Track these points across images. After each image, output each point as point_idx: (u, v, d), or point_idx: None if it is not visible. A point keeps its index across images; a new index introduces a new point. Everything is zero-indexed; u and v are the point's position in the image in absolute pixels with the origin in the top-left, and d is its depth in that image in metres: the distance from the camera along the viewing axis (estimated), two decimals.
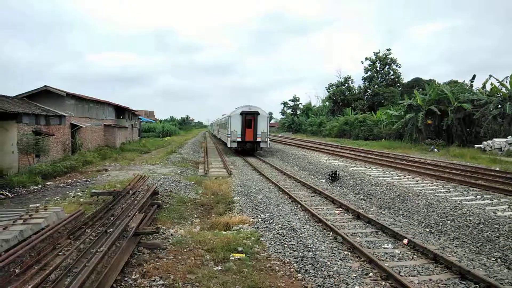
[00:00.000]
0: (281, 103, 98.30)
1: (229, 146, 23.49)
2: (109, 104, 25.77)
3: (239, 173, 15.18)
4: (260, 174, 15.01)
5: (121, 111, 28.64)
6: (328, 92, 60.56)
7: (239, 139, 22.68)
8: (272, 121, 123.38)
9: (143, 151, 24.99)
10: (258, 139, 22.74)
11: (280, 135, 60.76)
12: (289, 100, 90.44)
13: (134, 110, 34.37)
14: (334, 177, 13.43)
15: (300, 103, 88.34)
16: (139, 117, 41.56)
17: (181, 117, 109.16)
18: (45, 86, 17.62)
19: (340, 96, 54.84)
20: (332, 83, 59.52)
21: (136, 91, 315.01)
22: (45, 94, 17.65)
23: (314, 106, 76.90)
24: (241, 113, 22.63)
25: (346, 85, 56.67)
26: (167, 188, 11.06)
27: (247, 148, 23.04)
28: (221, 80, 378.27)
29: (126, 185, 10.29)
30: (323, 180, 13.84)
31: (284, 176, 14.50)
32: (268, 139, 23.29)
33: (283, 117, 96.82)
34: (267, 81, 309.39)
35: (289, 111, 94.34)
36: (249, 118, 22.72)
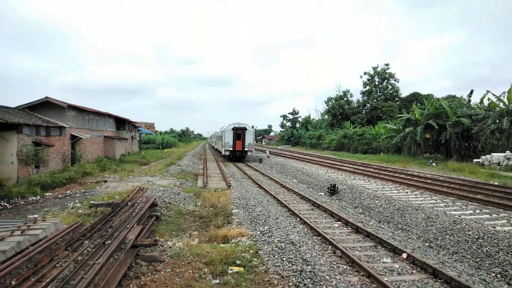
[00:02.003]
0: (281, 116, 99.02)
1: (223, 154, 29.64)
2: (109, 115, 25.95)
3: (238, 186, 15.19)
4: (259, 186, 15.03)
5: (121, 122, 28.79)
6: (327, 105, 61.10)
7: (231, 149, 28.66)
8: (272, 133, 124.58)
9: (143, 162, 24.99)
10: (246, 149, 28.75)
11: (279, 147, 60.84)
12: (289, 113, 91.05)
13: (134, 122, 34.56)
14: (333, 190, 13.43)
15: (299, 116, 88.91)
16: (139, 128, 41.75)
17: (181, 129, 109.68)
18: (46, 97, 17.79)
19: (339, 110, 55.33)
20: (331, 97, 60.13)
21: (137, 103, 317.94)
22: (46, 105, 17.81)
23: (313, 119, 77.34)
24: (233, 128, 28.58)
25: (345, 99, 57.25)
26: (166, 200, 11.03)
27: (237, 155, 29.03)
28: (222, 93, 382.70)
29: (125, 197, 10.27)
30: (322, 193, 13.82)
31: (283, 189, 14.50)
32: (253, 148, 29.56)
33: (282, 130, 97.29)
34: (267, 95, 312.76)
35: (288, 124, 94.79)
36: (239, 132, 28.58)
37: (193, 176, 18.54)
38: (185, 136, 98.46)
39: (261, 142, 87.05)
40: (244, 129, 28.77)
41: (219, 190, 14.00)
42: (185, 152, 38.23)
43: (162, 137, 52.36)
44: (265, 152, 35.47)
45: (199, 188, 14.37)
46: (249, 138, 28.81)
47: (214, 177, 17.99)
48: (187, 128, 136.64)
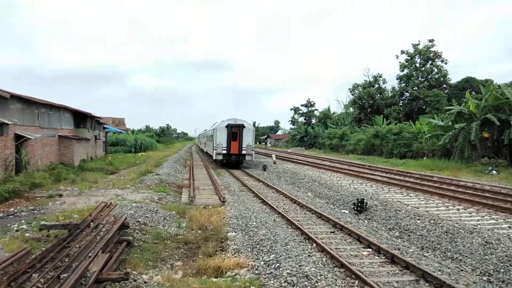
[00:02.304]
0: (291, 109, 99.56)
1: (214, 158, 30.29)
2: (66, 109, 26.08)
3: (236, 201, 15.24)
4: (263, 202, 15.08)
5: (81, 118, 28.94)
6: (352, 94, 61.28)
7: (224, 152, 29.07)
8: (279, 132, 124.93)
9: (110, 170, 25.09)
10: (243, 152, 29.13)
11: (289, 150, 60.97)
12: (302, 105, 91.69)
13: (99, 117, 34.72)
14: (360, 207, 13.42)
15: (315, 109, 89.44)
16: (105, 126, 41.94)
17: (160, 127, 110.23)
18: None
19: (368, 101, 55.38)
20: (357, 84, 60.30)
21: (103, 93, 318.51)
22: None
23: (334, 113, 77.59)
24: (227, 126, 29.07)
25: (376, 86, 57.35)
26: (140, 220, 11.06)
27: (232, 160, 29.45)
28: (214, 80, 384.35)
29: (86, 216, 10.31)
30: (346, 211, 13.84)
31: (294, 205, 14.55)
32: (253, 152, 30.03)
33: (293, 127, 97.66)
34: (273, 82, 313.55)
35: (301, 119, 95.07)
36: (235, 131, 29.09)
37: (176, 189, 18.60)
38: (165, 135, 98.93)
39: (266, 143, 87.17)
40: (241, 126, 29.41)
41: (210, 207, 14.04)
42: (165, 157, 38.34)
43: (135, 137, 52.56)
44: (271, 157, 35.51)
45: (183, 205, 14.40)
46: (248, 138, 29.44)
47: (203, 190, 18.02)
48: (167, 125, 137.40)
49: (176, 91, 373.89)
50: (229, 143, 29.39)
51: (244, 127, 29.64)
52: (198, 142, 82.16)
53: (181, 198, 16.05)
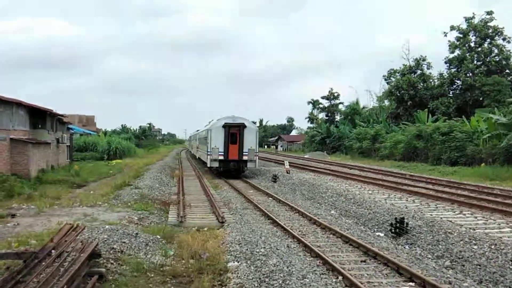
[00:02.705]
0: (309, 103, 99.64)
1: (208, 165, 31.61)
2: (19, 104, 26.26)
3: (238, 221, 15.24)
4: (273, 222, 15.05)
5: (39, 116, 29.11)
6: (388, 83, 61.17)
7: (221, 157, 30.10)
8: (293, 132, 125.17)
9: (76, 183, 25.18)
10: (245, 158, 30.19)
11: (306, 155, 60.94)
12: (322, 98, 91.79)
13: (62, 115, 34.96)
14: (399, 228, 13.33)
15: (340, 103, 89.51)
16: (70, 126, 42.21)
17: (140, 127, 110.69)
18: None
19: (409, 91, 55.22)
20: (394, 69, 60.17)
21: (66, 84, 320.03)
22: None
23: (364, 107, 77.55)
24: (224, 125, 30.18)
25: (419, 72, 57.24)
26: (115, 246, 11.07)
27: (231, 168, 30.39)
28: (208, 64, 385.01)
29: (46, 242, 10.34)
30: (381, 234, 13.76)
31: (313, 227, 14.50)
32: (257, 157, 31.07)
33: (311, 126, 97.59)
34: (285, 67, 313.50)
35: (321, 115, 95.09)
36: (234, 132, 30.19)
37: (161, 206, 18.60)
38: (147, 137, 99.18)
39: (276, 146, 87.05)
40: (242, 126, 30.39)
41: (206, 229, 14.02)
42: (147, 165, 38.44)
43: (109, 140, 52.83)
44: (283, 164, 35.48)
45: (171, 226, 14.40)
46: (250, 140, 30.53)
47: (196, 207, 18.04)
48: (149, 124, 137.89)
49: (159, 81, 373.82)
50: (227, 147, 30.20)
51: (246, 126, 30.45)
52: (189, 146, 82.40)
53: (167, 218, 16.03)
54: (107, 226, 12.82)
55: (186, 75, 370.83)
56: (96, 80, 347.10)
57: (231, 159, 30.28)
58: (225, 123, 30.61)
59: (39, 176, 25.29)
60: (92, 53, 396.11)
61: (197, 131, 52.16)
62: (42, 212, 15.95)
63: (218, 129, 30.57)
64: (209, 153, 30.85)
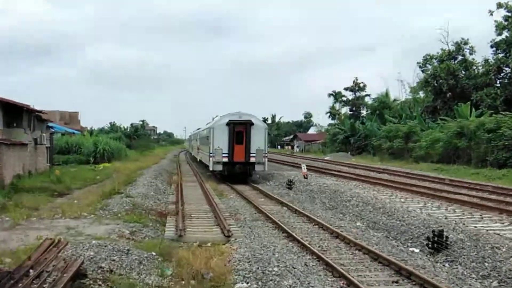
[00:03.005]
0: (330, 95, 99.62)
1: (211, 169, 32.74)
2: None
3: (247, 235, 15.26)
4: (289, 236, 15.05)
5: (14, 113, 29.25)
6: (423, 71, 60.76)
7: (225, 160, 31.22)
8: (312, 129, 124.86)
9: (58, 191, 25.20)
10: (252, 160, 31.21)
11: (327, 157, 60.79)
12: (346, 89, 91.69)
13: (40, 112, 35.09)
14: (438, 243, 13.23)
15: (366, 95, 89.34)
16: (50, 124, 42.33)
17: (132, 124, 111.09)
18: None
19: (448, 81, 54.78)
20: (430, 55, 59.71)
21: (45, 74, 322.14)
22: None
23: (395, 100, 77.09)
24: (228, 123, 31.31)
25: (460, 58, 56.74)
26: (103, 265, 11.12)
27: (237, 171, 31.45)
28: (212, 50, 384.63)
29: (23, 260, 10.42)
30: (416, 250, 13.69)
31: (336, 241, 14.47)
32: (266, 159, 32.21)
33: (333, 122, 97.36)
34: (301, 52, 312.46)
35: (345, 110, 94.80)
36: (240, 130, 31.29)
37: (157, 217, 18.65)
38: (139, 137, 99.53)
39: (292, 147, 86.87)
40: (249, 123, 31.43)
41: (209, 244, 14.02)
42: (140, 170, 38.55)
43: (95, 140, 53.01)
44: (300, 168, 35.45)
45: (168, 241, 14.40)
46: (258, 140, 31.58)
47: (198, 218, 18.10)
48: (143, 122, 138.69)
49: (156, 68, 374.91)
50: (232, 148, 31.18)
51: (253, 124, 31.38)
52: (188, 146, 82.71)
53: (164, 231, 16.00)
54: (93, 242, 12.86)
55: (186, 64, 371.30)
56: (81, 70, 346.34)
57: (237, 161, 31.18)
58: (229, 120, 31.42)
59: (14, 182, 25.29)
60: (77, 39, 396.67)
61: (198, 129, 52.70)
62: (18, 225, 15.93)
63: (221, 127, 31.46)
64: (211, 154, 31.69)
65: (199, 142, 46.42)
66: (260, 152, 31.16)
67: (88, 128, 79.21)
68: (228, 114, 32.62)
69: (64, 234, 14.09)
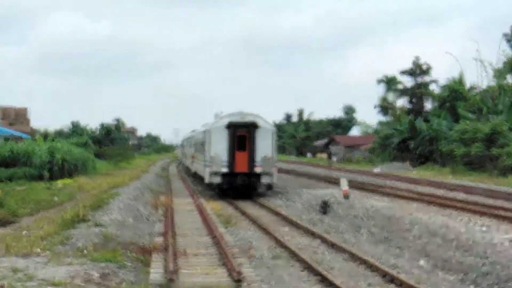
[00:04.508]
0: (380, 81, 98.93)
1: (207, 181, 35.67)
2: None
3: (265, 279, 15.28)
4: (323, 280, 14.96)
5: None
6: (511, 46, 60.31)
7: (224, 170, 33.87)
8: (353, 130, 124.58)
9: None
10: (257, 170, 33.82)
11: (377, 170, 60.52)
12: (402, 73, 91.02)
13: None
14: None
15: (432, 81, 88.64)
16: None
17: (103, 125, 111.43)
18: None
19: None
20: None
21: None
22: None
23: (472, 87, 76.50)
24: (228, 126, 34.06)
25: None
26: None
27: (239, 184, 34.03)
28: (214, 23, 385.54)
29: None
30: None
31: (390, 287, 14.46)
32: (275, 169, 35.18)
33: (384, 119, 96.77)
34: (337, 23, 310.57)
35: (401, 102, 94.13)
36: (242, 134, 34.08)
37: (138, 254, 18.71)
38: (113, 142, 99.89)
39: (329, 155, 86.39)
40: (252, 126, 34.21)
41: None
42: (114, 188, 38.66)
43: (52, 146, 53.28)
44: (337, 184, 35.42)
45: None
46: (265, 145, 34.41)
47: (196, 255, 18.21)
48: (118, 121, 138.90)
49: (135, 52, 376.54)
50: (233, 155, 33.88)
51: (258, 126, 34.19)
52: (181, 154, 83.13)
53: (149, 274, 16.12)
54: None
55: (178, 42, 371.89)
56: (31, 51, 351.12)
57: (239, 172, 33.87)
58: (229, 122, 34.23)
59: None
60: (27, 8, 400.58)
61: (192, 131, 55.18)
62: None
63: (220, 130, 34.32)
64: (207, 164, 34.71)
65: (193, 148, 48.80)
66: (267, 161, 33.59)
67: (41, 131, 79.76)
68: (228, 114, 35.60)
69: (9, 278, 14.14)
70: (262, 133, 34.16)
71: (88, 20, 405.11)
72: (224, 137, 33.85)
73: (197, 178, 46.76)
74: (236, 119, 34.46)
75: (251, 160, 33.60)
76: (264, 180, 34.23)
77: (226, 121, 34.37)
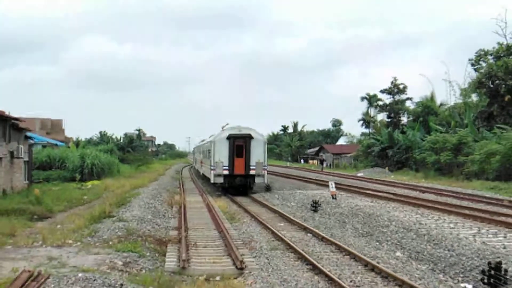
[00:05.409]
0: (363, 99, 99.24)
1: (212, 181, 39.23)
2: None
3: (264, 267, 15.26)
4: (314, 268, 15.00)
5: None
6: (475, 70, 60.33)
7: (226, 172, 37.59)
8: (341, 140, 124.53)
9: (37, 214, 25.33)
10: (252, 172, 37.60)
11: (360, 174, 60.47)
12: (382, 92, 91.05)
13: (17, 119, 35.33)
14: (495, 277, 13.06)
15: (408, 98, 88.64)
16: (29, 134, 42.67)
17: (126, 135, 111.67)
18: None
19: (507, 81, 54.30)
20: (484, 50, 59.28)
21: (23, 75, 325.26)
22: None
23: (442, 104, 76.56)
24: (229, 137, 37.73)
25: None
26: None
27: (237, 184, 37.97)
28: (221, 47, 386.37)
29: None
30: (469, 286, 13.62)
31: (371, 275, 14.41)
32: (266, 172, 38.89)
33: (366, 131, 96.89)
34: (328, 48, 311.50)
35: (381, 116, 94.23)
36: (240, 144, 37.67)
37: (156, 245, 18.66)
38: (135, 149, 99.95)
39: (321, 161, 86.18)
40: (248, 137, 37.79)
41: (218, 278, 14.04)
42: (136, 189, 38.67)
43: (82, 153, 53.22)
44: (326, 186, 35.34)
45: (169, 274, 14.42)
46: (258, 153, 38.01)
47: (205, 247, 18.20)
48: (139, 131, 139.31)
49: (153, 71, 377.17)
50: (232, 161, 37.51)
51: (252, 138, 37.83)
52: (193, 160, 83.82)
53: (164, 262, 16.07)
54: (80, 274, 12.88)
55: (190, 63, 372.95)
56: (64, 70, 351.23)
57: (237, 174, 37.62)
58: (229, 134, 37.81)
59: None
60: (60, 32, 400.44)
61: (203, 141, 57.80)
62: None
63: (222, 141, 37.88)
64: (212, 167, 37.89)
65: (202, 155, 52.54)
66: (259, 165, 37.37)
67: (74, 139, 79.81)
68: (228, 128, 39.35)
69: (45, 265, 14.11)
70: (256, 143, 37.88)
71: (113, 42, 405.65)
72: (226, 146, 37.47)
73: (205, 179, 49.59)
74: (235, 132, 38.15)
75: (247, 165, 37.28)
76: (258, 180, 38.03)
77: (227, 133, 37.99)
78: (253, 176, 37.70)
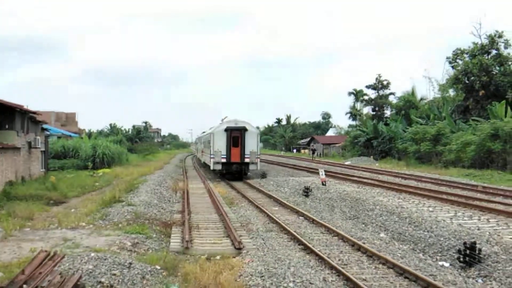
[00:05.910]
0: (350, 94, 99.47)
1: (212, 168, 41.51)
2: None
3: (260, 247, 15.31)
4: (305, 248, 15.07)
5: (6, 114, 29.38)
6: (453, 68, 60.27)
7: (223, 160, 39.70)
8: (330, 132, 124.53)
9: (53, 199, 25.39)
10: (246, 160, 39.75)
11: (347, 162, 60.50)
12: (368, 87, 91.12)
13: (35, 113, 35.30)
14: (470, 256, 13.15)
15: (391, 93, 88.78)
16: (45, 126, 42.66)
17: (134, 127, 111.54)
18: None
19: (481, 77, 54.33)
20: (461, 49, 59.22)
21: (40, 73, 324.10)
22: None
23: (422, 99, 76.67)
24: (226, 129, 39.81)
25: (494, 52, 56.20)
26: (103, 280, 11.18)
27: (233, 170, 40.09)
28: (222, 46, 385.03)
29: (16, 275, 10.50)
30: (446, 264, 13.66)
31: (357, 254, 14.47)
32: (258, 160, 40.92)
33: (353, 123, 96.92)
34: (318, 48, 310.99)
35: (367, 110, 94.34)
36: (236, 135, 39.77)
37: (161, 228, 18.71)
38: (142, 140, 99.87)
39: (312, 151, 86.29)
40: (243, 129, 39.73)
41: (218, 257, 14.08)
42: (143, 176, 38.71)
43: (94, 143, 53.20)
44: (317, 173, 35.39)
45: (173, 254, 14.45)
46: (252, 144, 40.01)
47: (206, 229, 18.25)
48: (146, 123, 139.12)
49: (159, 68, 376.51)
50: (229, 150, 39.61)
51: (247, 130, 39.88)
52: (195, 150, 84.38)
53: (169, 243, 16.12)
54: (92, 254, 12.92)
55: (193, 60, 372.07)
56: (77, 67, 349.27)
57: (233, 162, 39.62)
58: (227, 127, 39.91)
59: (7, 190, 25.52)
60: (72, 33, 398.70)
61: (203, 133, 59.01)
62: (11, 236, 16.06)
63: (220, 132, 39.89)
64: (212, 156, 39.95)
65: (202, 145, 54.46)
66: (253, 154, 39.55)
67: (86, 131, 79.74)
68: (226, 121, 41.73)
69: (61, 246, 14.21)
70: (250, 135, 39.96)
71: (122, 41, 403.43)
72: (223, 137, 39.54)
73: (206, 167, 50.83)
74: (232, 125, 40.25)
75: (242, 153, 39.38)
76: (251, 167, 40.32)
77: (225, 126, 40.17)
78: (248, 163, 39.69)
